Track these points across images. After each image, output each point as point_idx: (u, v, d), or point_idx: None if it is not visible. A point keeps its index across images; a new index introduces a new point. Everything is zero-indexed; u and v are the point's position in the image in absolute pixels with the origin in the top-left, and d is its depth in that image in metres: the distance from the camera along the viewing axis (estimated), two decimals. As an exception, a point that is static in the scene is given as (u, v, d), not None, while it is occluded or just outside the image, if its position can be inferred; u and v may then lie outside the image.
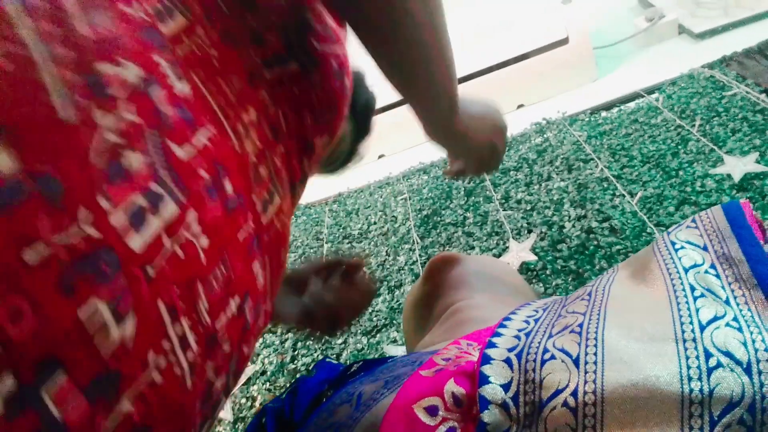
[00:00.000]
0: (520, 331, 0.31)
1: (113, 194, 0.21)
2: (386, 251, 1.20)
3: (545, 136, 1.29)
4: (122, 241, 0.21)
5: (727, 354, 0.23)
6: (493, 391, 0.26)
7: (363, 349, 1.01)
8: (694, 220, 0.32)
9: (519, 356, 0.28)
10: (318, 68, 0.36)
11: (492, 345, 0.30)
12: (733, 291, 0.27)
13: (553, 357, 0.26)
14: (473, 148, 0.53)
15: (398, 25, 0.34)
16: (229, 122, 0.28)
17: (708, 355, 0.23)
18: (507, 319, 0.33)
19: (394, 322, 1.03)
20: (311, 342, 1.06)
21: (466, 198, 1.22)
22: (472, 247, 1.10)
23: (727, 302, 0.26)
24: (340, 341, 1.05)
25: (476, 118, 0.50)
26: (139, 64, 0.23)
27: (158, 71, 0.24)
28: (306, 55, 0.35)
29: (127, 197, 0.22)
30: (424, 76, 0.39)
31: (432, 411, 0.27)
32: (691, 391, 0.23)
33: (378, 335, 1.02)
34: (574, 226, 1.02)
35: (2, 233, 0.18)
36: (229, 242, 0.27)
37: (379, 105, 0.62)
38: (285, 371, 1.04)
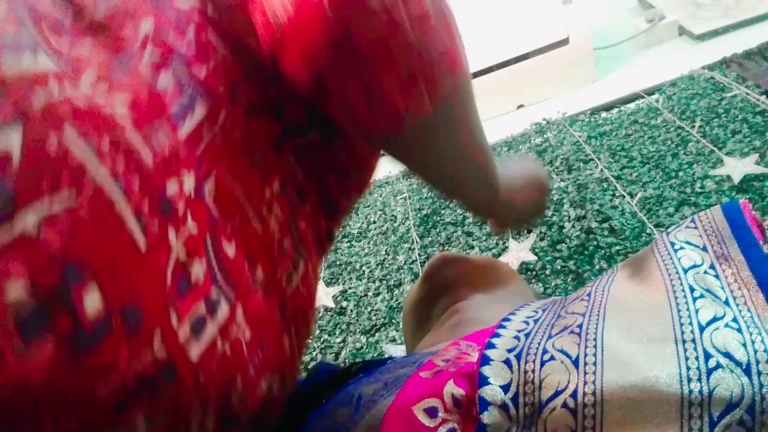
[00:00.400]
0: (519, 331, 0.31)
1: (181, 307, 0.21)
2: (385, 250, 1.20)
3: (545, 136, 1.29)
4: (184, 354, 0.21)
5: (727, 355, 0.23)
6: (492, 392, 0.26)
7: (362, 348, 1.01)
8: (693, 221, 0.32)
9: (518, 357, 0.28)
10: (342, 135, 0.34)
11: (491, 346, 0.29)
12: (732, 292, 0.27)
13: (552, 358, 0.26)
14: (520, 210, 0.52)
15: (449, 160, 0.35)
16: (252, 206, 0.28)
17: (707, 356, 0.23)
18: (506, 319, 0.33)
19: (393, 321, 1.03)
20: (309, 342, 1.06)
21: (465, 198, 1.22)
22: (472, 247, 1.10)
23: (726, 303, 0.26)
24: (338, 340, 1.05)
25: (519, 183, 0.49)
26: (192, 170, 0.23)
27: (200, 172, 0.24)
28: (328, 123, 0.33)
29: (192, 307, 0.22)
30: (470, 182, 0.40)
31: (431, 412, 0.27)
32: (691, 392, 0.23)
33: (377, 334, 1.02)
34: (573, 226, 1.02)
35: (84, 369, 0.18)
36: (265, 327, 0.27)
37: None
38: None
